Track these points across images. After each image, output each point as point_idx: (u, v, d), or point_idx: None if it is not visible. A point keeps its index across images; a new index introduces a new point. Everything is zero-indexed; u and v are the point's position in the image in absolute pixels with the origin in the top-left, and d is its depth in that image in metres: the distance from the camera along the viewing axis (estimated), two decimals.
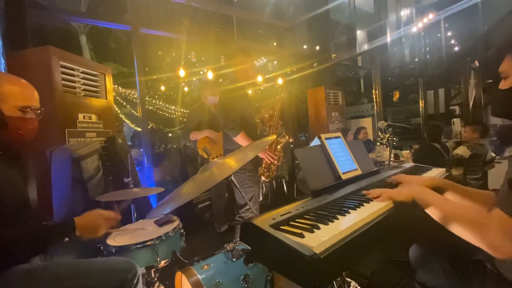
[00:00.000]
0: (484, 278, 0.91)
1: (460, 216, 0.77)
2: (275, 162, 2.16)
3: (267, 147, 2.18)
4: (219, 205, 3.18)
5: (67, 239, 1.02)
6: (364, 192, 1.06)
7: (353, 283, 1.43)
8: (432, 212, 0.86)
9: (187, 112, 9.10)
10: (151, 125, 7.60)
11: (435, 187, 1.04)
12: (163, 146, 8.62)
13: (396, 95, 10.48)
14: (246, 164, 2.02)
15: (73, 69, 2.25)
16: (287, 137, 2.26)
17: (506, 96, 0.81)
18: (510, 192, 0.69)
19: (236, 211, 2.17)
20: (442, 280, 1.00)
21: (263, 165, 2.19)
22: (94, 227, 1.09)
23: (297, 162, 4.24)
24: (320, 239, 0.71)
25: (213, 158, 2.97)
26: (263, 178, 2.21)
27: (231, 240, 1.37)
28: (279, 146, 2.22)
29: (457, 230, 0.77)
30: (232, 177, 1.29)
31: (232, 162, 1.21)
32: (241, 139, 2.03)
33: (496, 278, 0.87)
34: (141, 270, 1.17)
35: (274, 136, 2.17)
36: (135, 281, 1.10)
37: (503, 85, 0.81)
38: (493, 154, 3.48)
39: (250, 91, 2.36)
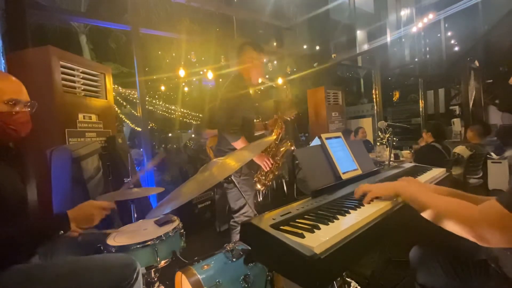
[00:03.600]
0: (487, 278, 0.91)
1: (448, 210, 0.77)
2: (275, 171, 2.05)
3: (265, 152, 2.07)
4: (222, 205, 3.17)
5: (62, 232, 1.02)
6: (355, 194, 1.03)
7: (353, 283, 1.43)
8: (417, 206, 0.85)
9: (187, 112, 9.13)
10: (151, 125, 7.61)
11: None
12: (163, 146, 8.64)
13: (396, 95, 10.48)
14: (241, 167, 1.92)
15: (73, 69, 2.25)
16: (289, 144, 2.13)
17: None
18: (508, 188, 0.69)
19: (231, 215, 2.06)
20: (443, 282, 0.99)
21: (260, 172, 2.07)
22: (89, 217, 1.10)
23: (297, 162, 4.23)
24: (321, 239, 0.71)
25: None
26: (258, 186, 2.07)
27: (231, 240, 1.37)
28: (282, 149, 2.11)
29: (445, 223, 0.76)
30: (233, 179, 1.29)
31: (232, 162, 1.21)
32: (240, 144, 1.91)
33: (499, 277, 0.87)
34: (140, 266, 1.17)
35: (274, 137, 2.10)
36: (134, 276, 1.10)
37: None
38: (493, 154, 3.49)
39: (250, 91, 2.29)
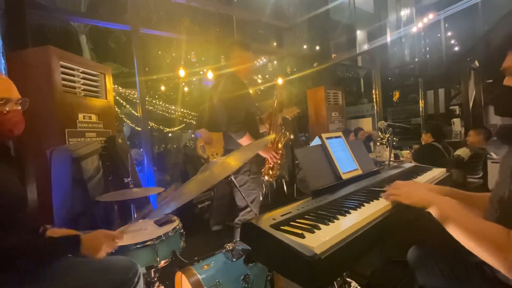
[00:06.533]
0: (483, 280, 0.90)
1: (478, 234, 0.72)
2: (279, 161, 2.13)
3: (269, 145, 2.15)
4: (219, 204, 3.15)
5: (70, 255, 1.00)
6: (385, 188, 1.01)
7: (353, 283, 1.43)
8: (451, 228, 0.79)
9: (187, 112, 9.14)
10: (151, 125, 7.61)
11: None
12: (163, 146, 8.64)
13: (396, 95, 10.48)
14: (251, 166, 1.99)
15: (73, 69, 2.25)
16: (287, 134, 2.22)
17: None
18: None
19: (236, 213, 2.12)
20: (440, 282, 0.99)
21: (267, 165, 2.16)
22: (97, 246, 1.05)
23: (297, 162, 4.23)
24: (321, 239, 0.71)
25: (207, 157, 2.97)
26: (266, 177, 2.17)
27: (229, 240, 1.37)
28: (280, 145, 2.19)
29: (474, 248, 0.72)
30: (233, 178, 1.29)
31: (232, 161, 1.21)
32: (246, 141, 1.95)
33: (494, 281, 0.86)
34: (141, 269, 1.17)
35: (273, 136, 2.14)
36: (135, 280, 1.10)
37: (509, 82, 0.77)
38: (493, 154, 3.48)
39: (250, 91, 2.31)
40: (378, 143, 4.10)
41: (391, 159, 3.05)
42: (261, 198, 2.28)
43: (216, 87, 2.39)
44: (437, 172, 1.50)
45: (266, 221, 0.82)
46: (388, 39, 6.32)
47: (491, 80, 5.97)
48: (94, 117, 2.40)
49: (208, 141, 3.06)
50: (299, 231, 0.76)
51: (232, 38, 4.97)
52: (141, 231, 1.47)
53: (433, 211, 0.85)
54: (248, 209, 2.00)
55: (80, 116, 2.25)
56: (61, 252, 1.00)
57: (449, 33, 8.27)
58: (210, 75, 4.38)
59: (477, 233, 0.72)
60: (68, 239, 1.06)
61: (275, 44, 5.84)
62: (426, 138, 3.11)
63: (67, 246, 1.02)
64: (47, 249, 0.97)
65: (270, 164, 2.14)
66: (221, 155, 2.52)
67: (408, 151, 3.99)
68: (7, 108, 1.06)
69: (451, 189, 1.05)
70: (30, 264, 0.95)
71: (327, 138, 1.31)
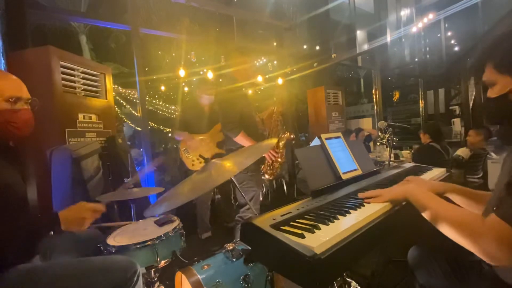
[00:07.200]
0: (481, 278, 0.91)
1: (455, 220, 0.75)
2: (278, 159, 2.16)
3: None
4: (203, 211, 3.09)
5: (52, 232, 1.01)
6: (359, 195, 1.03)
7: (353, 283, 1.43)
8: (426, 214, 0.84)
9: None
10: (151, 125, 7.60)
11: (442, 192, 1.04)
12: (163, 146, 8.63)
13: (396, 95, 10.48)
14: None
15: (73, 69, 2.25)
16: (288, 134, 2.25)
17: (496, 104, 0.79)
18: (508, 197, 0.67)
19: (237, 210, 2.16)
20: (441, 282, 0.99)
21: (266, 163, 2.19)
22: (79, 220, 1.09)
23: (297, 162, 4.24)
24: (321, 239, 0.71)
25: (193, 162, 2.89)
26: (266, 176, 2.21)
27: (229, 239, 1.37)
28: (281, 143, 2.22)
29: (450, 233, 0.76)
30: (232, 177, 1.28)
31: (232, 166, 1.20)
32: (241, 139, 2.02)
33: (493, 278, 0.87)
34: (141, 269, 1.17)
35: (275, 140, 2.17)
36: (135, 279, 1.10)
37: (491, 93, 0.80)
38: (493, 154, 3.48)
39: (250, 91, 2.35)
40: (378, 143, 4.09)
41: (391, 159, 3.05)
42: (261, 198, 2.29)
43: (214, 85, 2.42)
44: (437, 172, 1.50)
45: (266, 221, 0.82)
46: (388, 39, 6.31)
47: None
48: (94, 117, 2.40)
49: (191, 144, 2.93)
50: (299, 231, 0.76)
51: (232, 39, 4.97)
52: (141, 231, 1.47)
53: (411, 200, 0.90)
54: (247, 206, 2.03)
55: (80, 116, 2.25)
56: (41, 230, 1.00)
57: (449, 33, 8.26)
58: (210, 75, 4.37)
59: (452, 219, 0.76)
60: (46, 217, 1.08)
61: (275, 44, 5.84)
62: (424, 138, 3.11)
63: (45, 223, 1.03)
64: (26, 229, 0.97)
65: (269, 162, 2.17)
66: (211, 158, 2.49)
67: (408, 151, 3.99)
68: (17, 107, 1.09)
69: (455, 185, 1.06)
70: (14, 247, 0.95)
71: (326, 139, 1.31)
